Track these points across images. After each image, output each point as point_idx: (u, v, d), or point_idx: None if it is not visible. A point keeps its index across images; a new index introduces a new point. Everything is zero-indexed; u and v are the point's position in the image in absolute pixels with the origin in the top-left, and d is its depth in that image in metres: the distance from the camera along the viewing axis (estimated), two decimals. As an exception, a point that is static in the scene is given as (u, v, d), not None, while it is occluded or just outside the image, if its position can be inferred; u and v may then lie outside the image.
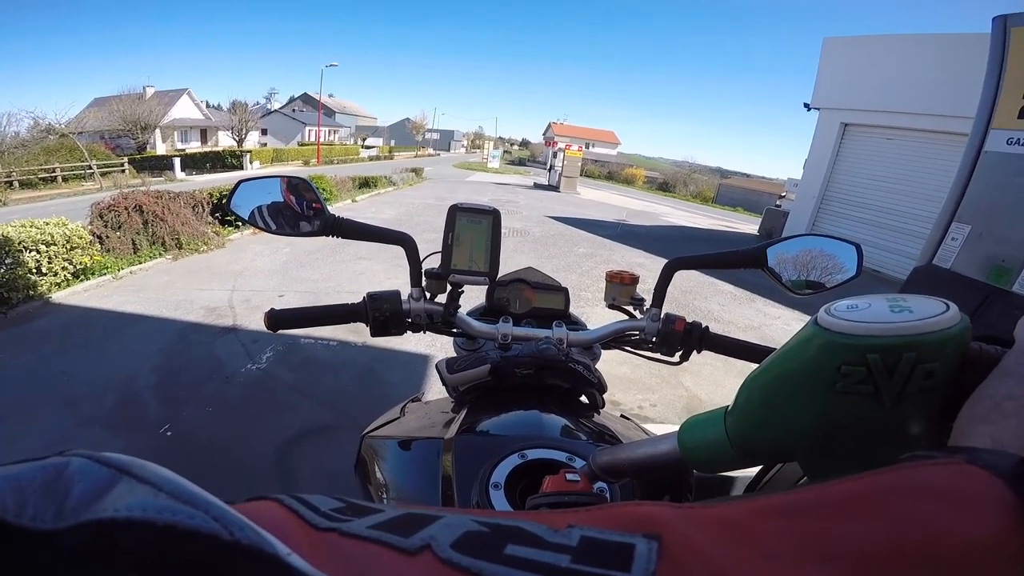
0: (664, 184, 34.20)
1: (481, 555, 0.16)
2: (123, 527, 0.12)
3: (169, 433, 2.59)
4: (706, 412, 0.36)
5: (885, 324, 0.24)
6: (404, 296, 0.81)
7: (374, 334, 0.81)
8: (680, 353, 0.85)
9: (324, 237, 0.78)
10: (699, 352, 0.84)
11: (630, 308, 0.90)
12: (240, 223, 7.06)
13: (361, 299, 0.80)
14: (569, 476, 0.47)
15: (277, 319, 0.76)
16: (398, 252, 0.81)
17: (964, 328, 0.24)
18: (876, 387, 0.24)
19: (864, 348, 0.24)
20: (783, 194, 13.94)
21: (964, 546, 0.15)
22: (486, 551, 0.16)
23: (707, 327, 0.83)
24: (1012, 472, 0.16)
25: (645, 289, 0.87)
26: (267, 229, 0.77)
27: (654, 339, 0.84)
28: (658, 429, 0.93)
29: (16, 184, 14.43)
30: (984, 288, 1.85)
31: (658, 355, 0.87)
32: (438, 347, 3.61)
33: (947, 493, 0.16)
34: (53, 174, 15.88)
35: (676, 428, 0.39)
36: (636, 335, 0.87)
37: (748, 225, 15.48)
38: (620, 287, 0.90)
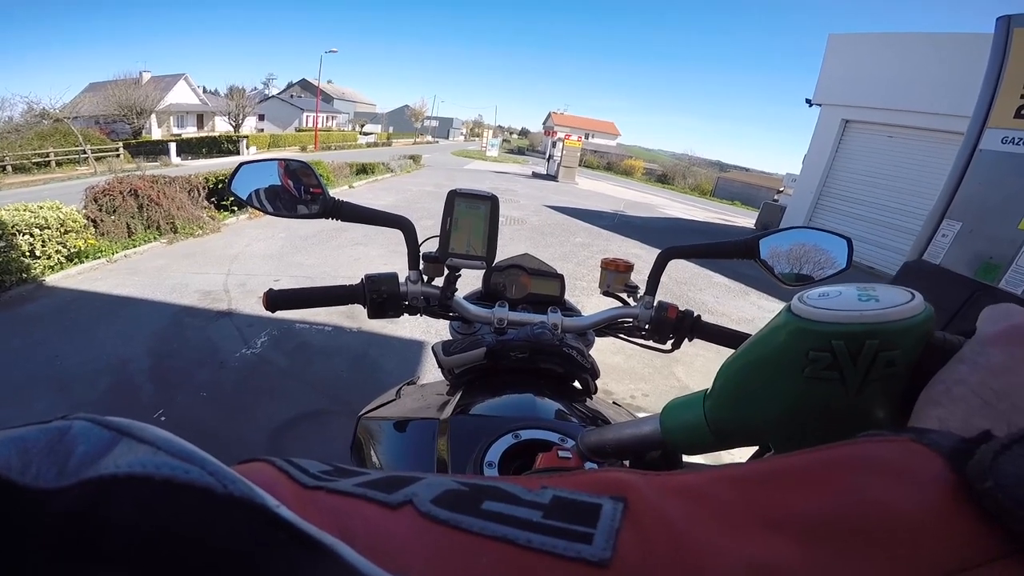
0: (663, 176, 33.97)
1: (459, 509, 0.16)
2: (123, 482, 0.13)
3: (163, 418, 2.59)
4: (687, 395, 0.36)
5: (851, 312, 0.25)
6: (402, 279, 0.81)
7: (371, 316, 0.81)
8: (672, 341, 0.86)
9: (322, 221, 0.78)
10: (690, 340, 0.85)
11: (624, 295, 0.91)
12: (237, 207, 7.03)
13: (359, 281, 0.80)
14: (561, 454, 0.48)
15: (276, 299, 0.77)
16: (394, 239, 0.81)
17: (927, 318, 0.25)
18: (841, 373, 0.25)
19: (830, 335, 0.25)
20: (781, 189, 13.90)
21: (901, 518, 0.15)
22: (464, 506, 0.17)
23: (698, 316, 0.84)
24: (952, 450, 0.17)
25: (641, 279, 0.88)
26: (267, 211, 0.76)
27: (647, 326, 0.85)
28: None
29: (9, 168, 14.31)
30: (972, 284, 1.86)
31: (650, 342, 0.88)
32: (433, 333, 3.61)
33: (890, 468, 0.16)
34: (47, 159, 15.75)
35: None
36: (629, 322, 0.88)
37: (745, 219, 15.46)
38: (615, 275, 0.91)
